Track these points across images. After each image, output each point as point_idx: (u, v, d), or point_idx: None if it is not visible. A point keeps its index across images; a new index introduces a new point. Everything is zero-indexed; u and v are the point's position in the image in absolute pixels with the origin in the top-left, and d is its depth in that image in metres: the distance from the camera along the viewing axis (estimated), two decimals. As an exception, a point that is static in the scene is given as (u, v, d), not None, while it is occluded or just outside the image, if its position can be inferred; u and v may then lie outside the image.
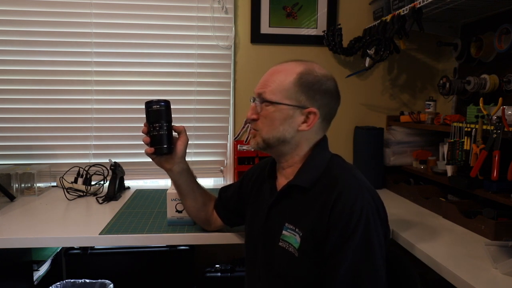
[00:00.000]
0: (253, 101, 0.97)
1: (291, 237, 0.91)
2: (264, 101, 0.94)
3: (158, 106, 1.06)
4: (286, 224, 0.93)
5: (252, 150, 0.99)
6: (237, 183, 1.20)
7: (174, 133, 1.10)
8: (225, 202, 1.20)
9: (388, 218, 0.94)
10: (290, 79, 0.93)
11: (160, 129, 1.05)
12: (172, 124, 1.09)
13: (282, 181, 1.00)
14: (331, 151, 1.01)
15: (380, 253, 0.85)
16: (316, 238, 0.87)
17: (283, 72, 0.94)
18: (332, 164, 0.95)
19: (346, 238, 0.83)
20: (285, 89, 0.92)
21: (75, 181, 1.74)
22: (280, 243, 0.93)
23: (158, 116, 1.05)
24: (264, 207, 1.00)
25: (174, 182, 1.14)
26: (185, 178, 1.13)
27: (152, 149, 1.06)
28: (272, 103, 0.93)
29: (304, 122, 0.93)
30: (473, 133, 1.36)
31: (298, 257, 0.89)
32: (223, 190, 1.23)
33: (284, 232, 0.93)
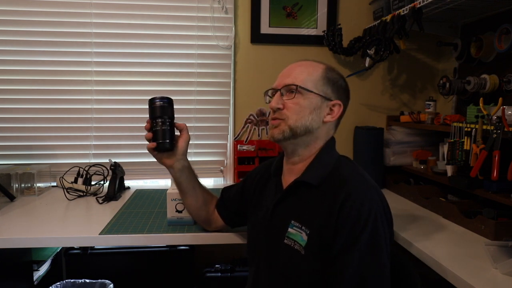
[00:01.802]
0: (274, 93, 0.99)
1: (297, 234, 0.91)
2: (296, 88, 0.95)
3: (161, 102, 1.07)
4: (292, 222, 0.93)
5: (273, 140, 0.98)
6: (240, 183, 1.20)
7: (176, 132, 1.11)
8: (227, 202, 1.20)
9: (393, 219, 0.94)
10: (318, 71, 0.97)
11: (163, 124, 1.06)
12: (174, 121, 1.09)
13: (289, 178, 1.00)
14: None
15: (386, 254, 0.85)
16: (323, 237, 0.86)
17: (309, 66, 0.99)
18: (340, 164, 0.96)
19: (354, 239, 0.83)
20: (315, 80, 0.96)
21: (75, 181, 1.74)
22: (285, 241, 0.93)
23: (161, 111, 1.07)
24: (269, 205, 1.00)
25: (175, 179, 1.14)
26: (186, 175, 1.13)
27: (154, 144, 1.06)
28: (304, 90, 0.95)
29: (329, 114, 0.97)
30: (473, 133, 1.36)
31: (304, 255, 0.89)
32: (226, 190, 1.23)
33: (290, 229, 0.93)
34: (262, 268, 1.00)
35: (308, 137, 0.97)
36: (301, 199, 0.94)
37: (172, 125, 1.09)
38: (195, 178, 1.17)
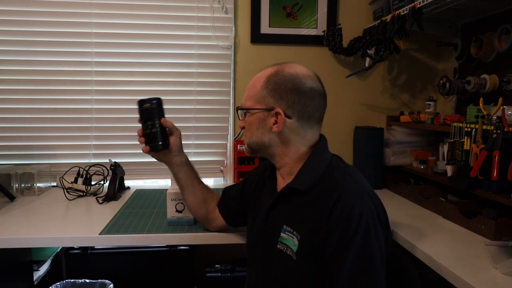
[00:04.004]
0: None
1: (289, 239, 0.90)
2: (239, 109, 1.00)
3: (149, 104, 1.09)
4: (284, 226, 0.92)
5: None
6: (241, 183, 1.20)
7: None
8: (228, 201, 1.20)
9: (389, 221, 0.93)
10: (261, 83, 0.95)
11: (153, 127, 1.08)
12: (163, 119, 1.12)
13: (281, 183, 1.00)
14: (331, 151, 1.00)
15: (380, 259, 0.83)
16: (314, 242, 0.85)
17: (257, 77, 0.98)
18: (331, 166, 0.93)
19: (345, 244, 0.81)
20: (255, 94, 0.96)
21: (75, 181, 1.74)
22: (278, 245, 0.92)
23: (150, 114, 1.09)
24: (264, 208, 1.00)
25: (174, 175, 1.17)
26: (184, 171, 1.16)
27: (148, 147, 1.10)
28: (245, 110, 0.98)
29: (275, 123, 0.94)
30: (473, 133, 1.36)
31: (296, 261, 0.88)
32: (227, 190, 1.23)
33: (282, 234, 0.92)
34: (258, 270, 1.00)
35: (267, 149, 0.98)
36: (293, 204, 0.93)
37: (162, 125, 1.10)
38: (194, 175, 1.19)
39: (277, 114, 0.93)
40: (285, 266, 0.90)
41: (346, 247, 0.81)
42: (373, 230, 0.83)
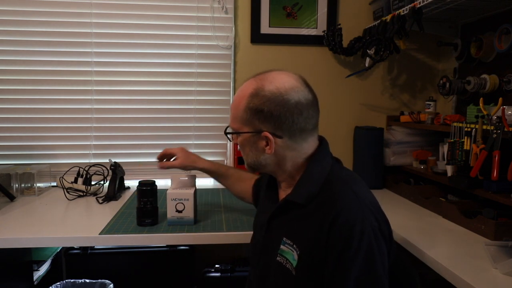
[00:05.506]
0: None
1: (289, 252, 0.86)
2: (228, 133, 0.97)
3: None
4: (284, 239, 0.89)
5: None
6: (259, 177, 1.23)
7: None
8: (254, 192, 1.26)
9: (392, 233, 0.89)
10: (243, 104, 0.89)
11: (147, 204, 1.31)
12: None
13: (282, 193, 0.98)
14: (331, 152, 0.97)
15: (384, 274, 0.80)
16: (314, 258, 0.81)
17: (239, 97, 0.91)
18: (331, 176, 0.88)
19: (348, 262, 0.77)
20: (240, 116, 0.90)
21: (75, 181, 1.74)
22: (277, 258, 0.89)
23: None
24: (265, 217, 0.97)
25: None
26: (209, 173, 1.35)
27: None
28: (234, 133, 0.94)
29: (267, 145, 0.89)
30: (473, 133, 1.36)
31: (295, 276, 0.84)
32: (258, 180, 1.26)
33: (282, 246, 0.88)
34: (255, 280, 0.97)
35: (265, 168, 0.93)
36: (292, 217, 0.89)
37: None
38: (219, 176, 1.36)
39: (266, 137, 0.88)
40: (283, 280, 0.87)
41: (349, 266, 0.77)
42: (376, 246, 0.79)
